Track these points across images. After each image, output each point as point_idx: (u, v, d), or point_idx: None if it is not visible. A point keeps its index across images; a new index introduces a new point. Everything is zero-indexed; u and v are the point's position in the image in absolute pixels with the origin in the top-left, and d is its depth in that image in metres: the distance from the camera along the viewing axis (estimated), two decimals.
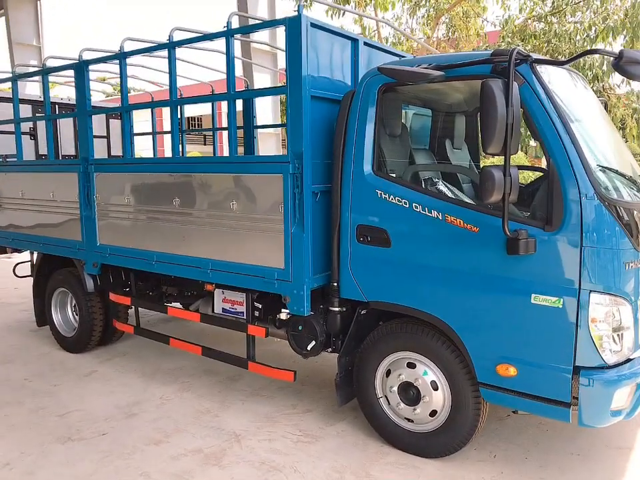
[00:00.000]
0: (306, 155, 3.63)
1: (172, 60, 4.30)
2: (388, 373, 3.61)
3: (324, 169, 3.79)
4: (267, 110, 8.09)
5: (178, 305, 5.47)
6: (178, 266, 4.50)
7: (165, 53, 4.40)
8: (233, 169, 4.08)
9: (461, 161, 4.40)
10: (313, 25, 3.57)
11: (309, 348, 3.95)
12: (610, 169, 3.08)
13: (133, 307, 5.25)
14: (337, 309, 3.82)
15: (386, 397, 3.64)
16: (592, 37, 8.71)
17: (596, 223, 2.81)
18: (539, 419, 3.97)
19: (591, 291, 2.83)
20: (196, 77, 6.81)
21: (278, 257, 3.83)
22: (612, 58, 2.69)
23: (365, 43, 4.15)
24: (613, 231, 2.85)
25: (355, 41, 4.01)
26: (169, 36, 4.26)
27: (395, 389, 3.56)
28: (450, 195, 3.33)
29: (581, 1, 9.16)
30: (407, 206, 3.33)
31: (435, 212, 3.23)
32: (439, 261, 3.26)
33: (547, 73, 3.03)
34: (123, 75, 4.69)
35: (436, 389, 3.41)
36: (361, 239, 3.55)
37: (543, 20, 10.00)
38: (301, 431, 3.98)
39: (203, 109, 16.91)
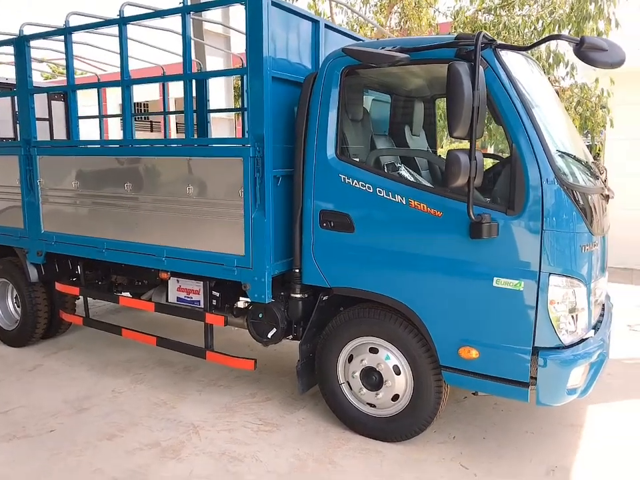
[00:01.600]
0: (267, 138, 3.53)
1: (123, 38, 4.08)
2: (350, 358, 3.59)
3: (285, 153, 3.70)
4: (219, 94, 7.88)
5: (128, 294, 5.27)
6: (130, 254, 4.31)
7: (114, 30, 4.18)
8: (189, 152, 3.94)
9: (419, 147, 4.42)
10: (274, 4, 3.47)
11: (269, 336, 3.88)
12: (567, 154, 3.16)
13: (81, 297, 4.99)
14: (298, 296, 3.76)
15: (348, 382, 3.62)
16: (539, 29, 8.97)
17: (555, 207, 2.87)
18: (495, 399, 4.08)
19: (550, 273, 2.90)
20: (147, 58, 6.52)
21: (238, 243, 3.73)
22: (573, 44, 2.75)
23: (326, 25, 4.08)
24: (570, 215, 2.92)
25: (316, 22, 3.93)
26: (120, 11, 4.04)
27: (358, 374, 3.55)
28: (412, 179, 3.32)
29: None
30: (371, 191, 3.30)
31: (399, 196, 3.22)
32: (402, 246, 3.26)
33: (508, 58, 3.06)
34: (68, 52, 4.42)
35: (398, 373, 3.42)
36: (324, 225, 3.50)
37: (493, 12, 10.20)
38: (261, 419, 3.91)
39: (150, 94, 16.34)
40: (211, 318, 4.06)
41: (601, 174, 3.45)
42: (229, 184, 3.73)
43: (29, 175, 4.85)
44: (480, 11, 10.82)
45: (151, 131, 24.67)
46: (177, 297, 4.48)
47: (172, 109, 11.35)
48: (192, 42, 4.04)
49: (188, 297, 4.43)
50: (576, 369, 2.96)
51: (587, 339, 3.14)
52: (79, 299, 5.21)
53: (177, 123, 17.21)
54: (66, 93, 4.64)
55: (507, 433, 3.71)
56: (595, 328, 3.33)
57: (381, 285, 3.35)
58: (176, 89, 6.79)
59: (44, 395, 4.32)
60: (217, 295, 4.24)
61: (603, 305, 3.65)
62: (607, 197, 3.46)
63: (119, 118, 9.58)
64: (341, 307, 3.74)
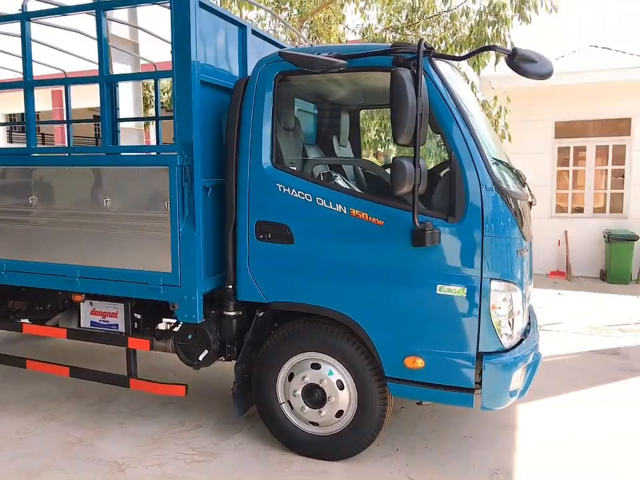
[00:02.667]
0: (196, 145, 3.32)
1: (26, 35, 3.67)
2: (290, 376, 3.43)
3: (214, 162, 3.50)
4: (127, 103, 7.42)
5: (27, 321, 4.70)
6: (36, 275, 3.86)
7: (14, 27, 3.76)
8: (108, 160, 3.60)
9: (349, 157, 4.39)
10: (202, 5, 3.28)
11: (200, 358, 3.62)
12: (500, 162, 3.26)
13: None
14: (232, 314, 3.54)
15: (289, 402, 3.45)
16: (443, 49, 9.43)
17: (494, 213, 2.93)
18: (432, 407, 4.09)
19: (491, 278, 2.95)
20: (45, 61, 5.96)
21: (164, 259, 3.46)
22: (505, 55, 2.83)
23: (253, 31, 3.94)
24: (507, 221, 3.00)
25: (243, 27, 3.78)
26: (22, 6, 3.64)
27: (299, 392, 3.39)
28: (352, 188, 3.26)
29: (432, 17, 9.90)
30: (310, 200, 3.19)
31: (340, 206, 3.13)
32: (344, 256, 3.18)
33: (442, 67, 3.11)
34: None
35: (342, 388, 3.31)
36: (261, 237, 3.33)
37: (399, 31, 10.61)
38: (194, 449, 3.62)
39: (43, 105, 15.15)
40: (134, 342, 3.71)
41: (524, 182, 3.60)
42: (153, 195, 3.46)
43: None
44: (387, 29, 11.22)
45: (43, 143, 23.00)
46: (91, 322, 4.08)
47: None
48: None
49: (104, 321, 4.05)
50: (516, 371, 3.02)
51: (521, 341, 3.23)
52: None
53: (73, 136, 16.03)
54: None
55: (446, 439, 3.72)
56: (526, 330, 3.44)
57: (322, 297, 3.23)
58: (74, 99, 6.23)
59: None
60: (138, 317, 3.91)
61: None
62: (530, 204, 3.61)
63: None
64: (276, 323, 3.57)
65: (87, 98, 6.79)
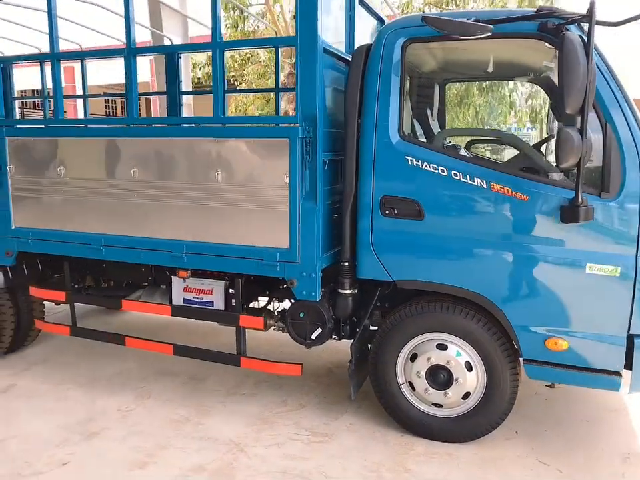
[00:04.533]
0: (320, 117, 3.16)
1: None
2: (413, 357, 3.32)
3: (329, 135, 3.35)
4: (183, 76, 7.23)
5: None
6: (137, 250, 3.75)
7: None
8: (221, 132, 3.44)
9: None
10: None
11: (313, 337, 3.51)
12: None
13: (67, 303, 4.29)
14: (347, 292, 3.42)
15: (410, 383, 3.35)
16: None
17: None
18: (535, 389, 3.98)
19: None
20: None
21: (281, 235, 3.33)
22: None
23: (360, 1, 3.74)
24: None
25: None
26: None
27: (423, 373, 3.29)
28: (492, 160, 3.11)
29: None
30: (445, 173, 3.04)
31: (479, 180, 2.98)
32: (481, 233, 3.04)
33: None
34: (52, 14, 3.73)
35: (470, 369, 3.20)
36: (387, 212, 3.19)
37: (441, 7, 10.31)
38: (307, 429, 3.54)
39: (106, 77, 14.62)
40: (246, 320, 3.61)
41: None
42: (271, 169, 3.31)
43: None
44: (428, 4, 10.89)
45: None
46: (184, 299, 3.98)
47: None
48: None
49: (197, 298, 3.95)
50: None
51: None
52: (58, 305, 4.50)
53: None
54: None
55: (563, 423, 3.62)
56: None
57: (456, 276, 3.10)
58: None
59: (34, 422, 3.65)
60: (235, 294, 3.79)
61: None
62: None
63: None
64: (387, 303, 3.45)
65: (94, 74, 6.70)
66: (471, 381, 3.21)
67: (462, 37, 2.83)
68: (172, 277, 3.97)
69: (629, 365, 2.88)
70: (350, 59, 3.34)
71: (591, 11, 2.54)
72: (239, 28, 9.42)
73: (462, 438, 3.31)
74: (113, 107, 25.01)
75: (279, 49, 4.42)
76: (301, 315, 3.53)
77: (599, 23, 2.81)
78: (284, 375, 3.74)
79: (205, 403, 3.91)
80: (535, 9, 2.87)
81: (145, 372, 4.43)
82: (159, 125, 3.90)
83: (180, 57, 5.60)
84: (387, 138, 3.13)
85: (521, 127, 8.84)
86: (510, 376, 3.15)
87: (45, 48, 6.27)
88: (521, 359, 3.17)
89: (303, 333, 3.54)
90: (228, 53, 11.40)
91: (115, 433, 3.50)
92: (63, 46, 3.95)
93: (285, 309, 3.72)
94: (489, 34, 2.74)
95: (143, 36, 7.19)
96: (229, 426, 3.58)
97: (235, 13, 9.77)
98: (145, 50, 4.04)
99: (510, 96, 7.98)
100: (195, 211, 3.54)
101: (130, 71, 3.59)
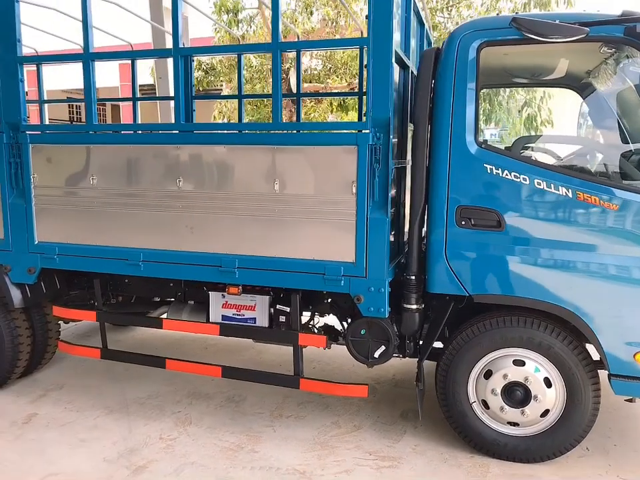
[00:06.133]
0: (392, 123, 2.99)
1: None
2: (487, 374, 3.17)
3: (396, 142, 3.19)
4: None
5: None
6: (180, 266, 3.48)
7: None
8: (281, 139, 3.22)
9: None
10: None
11: (376, 355, 3.33)
12: None
13: (98, 322, 3.97)
14: (414, 307, 3.26)
15: (483, 401, 3.20)
16: None
17: None
18: None
19: None
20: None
21: (346, 248, 3.15)
22: None
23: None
24: None
25: None
26: None
27: (499, 391, 3.14)
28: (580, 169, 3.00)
29: None
30: (527, 182, 2.91)
31: (564, 189, 2.87)
32: (566, 245, 2.92)
33: None
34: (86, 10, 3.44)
35: (549, 386, 3.07)
36: (463, 223, 3.04)
37: (437, 13, 10.30)
38: (371, 453, 3.34)
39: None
40: (307, 339, 3.39)
41: None
42: (336, 177, 3.12)
43: (14, 170, 3.74)
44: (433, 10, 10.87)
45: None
46: (223, 315, 3.75)
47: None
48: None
49: (238, 315, 3.72)
50: None
51: None
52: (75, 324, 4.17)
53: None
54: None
55: (627, 436, 3.54)
56: None
57: (539, 290, 2.97)
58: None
59: (70, 455, 3.33)
60: (285, 310, 3.57)
61: None
62: None
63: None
64: (462, 317, 3.30)
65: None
66: (550, 398, 3.08)
67: (552, 40, 2.71)
68: (210, 292, 3.73)
69: None
70: (418, 64, 3.19)
71: None
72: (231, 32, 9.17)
73: (538, 457, 3.17)
74: (77, 111, 24.34)
75: (363, 49, 4.19)
76: (362, 332, 3.34)
77: None
78: (353, 396, 3.52)
79: (252, 427, 3.66)
80: (620, 13, 2.79)
81: (177, 395, 4.14)
82: (206, 132, 3.62)
83: (193, 61, 5.36)
84: (464, 146, 2.99)
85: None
86: (592, 392, 3.03)
87: (40, 48, 5.94)
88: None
89: (365, 351, 3.35)
90: (217, 57, 11.12)
91: (165, 466, 3.22)
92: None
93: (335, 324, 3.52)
94: (584, 36, 2.63)
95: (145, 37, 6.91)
96: (287, 453, 3.35)
97: (228, 16, 9.52)
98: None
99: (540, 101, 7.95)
100: (250, 223, 3.31)
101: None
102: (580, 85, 3.72)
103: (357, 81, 10.48)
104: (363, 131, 3.02)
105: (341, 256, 3.16)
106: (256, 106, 11.29)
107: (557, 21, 2.76)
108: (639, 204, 2.78)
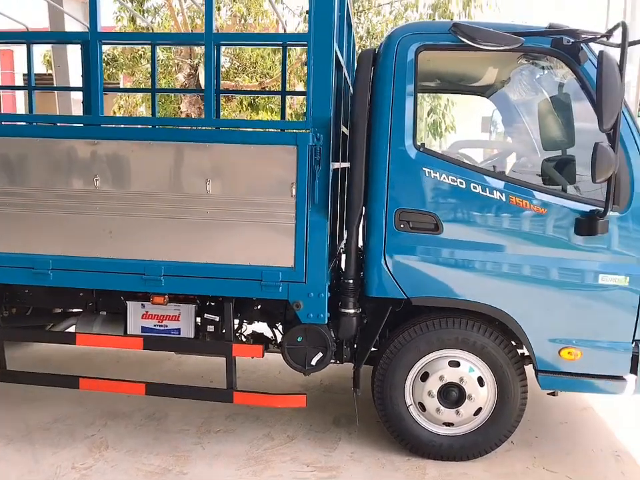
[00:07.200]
0: (332, 123, 2.92)
1: None
2: (424, 376, 3.19)
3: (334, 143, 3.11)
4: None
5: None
6: (97, 274, 3.15)
7: None
8: (214, 136, 3.01)
9: None
10: None
11: (313, 362, 3.23)
12: None
13: None
14: (351, 311, 3.20)
15: (420, 403, 3.21)
16: None
17: None
18: None
19: None
20: None
21: (284, 252, 3.02)
22: None
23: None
24: None
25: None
26: None
27: (435, 392, 3.17)
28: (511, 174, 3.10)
29: (385, 4, 9.89)
30: (464, 186, 2.97)
31: (498, 193, 2.96)
32: (499, 247, 3.01)
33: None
34: None
35: (482, 384, 3.16)
36: (402, 226, 3.03)
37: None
38: (309, 464, 3.23)
39: None
40: (241, 350, 3.20)
41: None
42: (274, 179, 2.99)
43: None
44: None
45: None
46: (142, 327, 3.46)
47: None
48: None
49: (160, 326, 3.46)
50: None
51: None
52: None
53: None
54: None
55: (547, 427, 3.74)
56: None
57: (475, 291, 3.04)
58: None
59: None
60: (216, 319, 3.38)
61: None
62: None
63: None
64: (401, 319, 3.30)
65: None
66: (483, 397, 3.16)
67: (490, 48, 2.78)
68: (128, 302, 3.42)
69: (633, 369, 3.03)
70: (352, 65, 3.14)
71: (624, 30, 2.63)
72: (136, 23, 8.62)
73: (471, 455, 3.24)
74: None
75: (286, 47, 4.01)
76: (299, 339, 3.22)
77: (609, 44, 2.95)
78: (291, 407, 3.38)
79: (178, 447, 3.39)
80: (547, 26, 2.93)
81: (88, 416, 3.74)
82: (127, 126, 3.30)
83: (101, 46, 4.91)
84: (404, 149, 2.98)
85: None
86: (520, 388, 3.16)
87: None
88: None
89: (302, 359, 3.23)
90: (119, 48, 10.40)
91: None
92: None
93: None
94: (519, 45, 2.73)
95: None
96: (220, 471, 3.14)
97: (133, 4, 8.93)
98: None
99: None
100: (178, 226, 3.06)
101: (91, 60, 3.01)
102: (501, 93, 3.90)
103: (268, 80, 10.42)
104: (304, 131, 2.91)
105: (279, 261, 3.02)
106: (160, 102, 10.73)
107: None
108: (564, 208, 2.93)
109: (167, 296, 3.21)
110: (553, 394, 3.40)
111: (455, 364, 3.16)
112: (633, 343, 3.01)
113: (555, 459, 3.34)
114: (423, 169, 2.99)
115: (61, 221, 3.13)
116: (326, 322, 3.07)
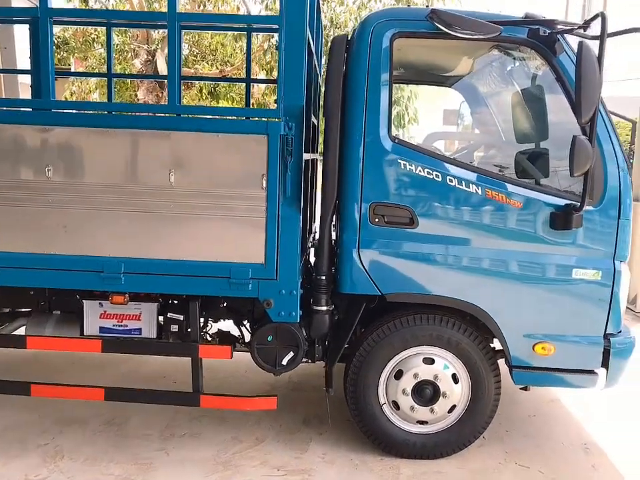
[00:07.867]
0: (304, 112, 2.78)
1: None
2: (398, 374, 3.11)
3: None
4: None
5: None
6: (50, 272, 2.93)
7: None
8: (178, 124, 2.83)
9: None
10: None
11: (284, 362, 3.10)
12: None
13: None
14: (323, 309, 3.08)
15: (393, 402, 3.14)
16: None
17: (626, 196, 2.96)
18: None
19: (621, 261, 2.99)
20: None
21: (255, 248, 2.88)
22: None
23: None
24: (630, 202, 3.03)
25: None
26: None
27: (409, 390, 3.10)
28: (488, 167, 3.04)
29: None
30: (440, 179, 2.89)
31: (474, 186, 2.89)
32: (474, 240, 2.95)
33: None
34: None
35: (456, 381, 3.11)
36: (377, 220, 2.93)
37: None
38: (279, 468, 3.11)
39: None
40: (208, 351, 3.03)
41: None
42: (244, 170, 2.84)
43: None
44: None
45: None
46: (101, 327, 3.25)
47: None
48: None
49: (119, 326, 3.26)
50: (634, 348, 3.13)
51: None
52: None
53: None
54: None
55: (516, 421, 3.74)
56: None
57: (450, 287, 2.97)
58: None
59: None
60: (180, 318, 3.20)
61: None
62: None
63: None
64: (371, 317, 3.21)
65: None
66: (457, 393, 3.11)
67: (468, 37, 2.69)
68: (84, 301, 3.20)
69: (604, 363, 3.04)
70: (325, 52, 3.00)
71: (603, 21, 2.58)
72: (89, 4, 8.18)
73: (445, 452, 3.20)
74: None
75: (251, 33, 3.79)
76: (269, 338, 3.08)
77: (585, 36, 2.91)
78: (261, 409, 3.24)
79: (140, 454, 3.20)
80: (523, 15, 2.87)
81: (41, 423, 3.50)
82: (81, 112, 3.06)
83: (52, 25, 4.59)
84: (378, 140, 2.88)
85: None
86: (494, 384, 3.12)
87: None
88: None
89: (272, 359, 3.10)
90: (70, 30, 9.87)
91: None
92: None
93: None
94: (497, 34, 2.65)
95: None
96: (186, 479, 2.98)
97: None
98: None
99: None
100: (139, 220, 2.87)
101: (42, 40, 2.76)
102: (471, 84, 3.85)
103: (229, 68, 10.14)
104: (275, 120, 2.75)
105: (249, 257, 2.87)
106: (116, 89, 10.27)
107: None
108: (540, 202, 2.89)
109: (127, 295, 3.00)
110: (525, 389, 3.39)
111: (429, 361, 3.09)
112: (604, 337, 3.02)
113: (526, 454, 3.34)
114: (398, 160, 2.89)
115: (9, 215, 2.88)
116: (298, 320, 2.94)
